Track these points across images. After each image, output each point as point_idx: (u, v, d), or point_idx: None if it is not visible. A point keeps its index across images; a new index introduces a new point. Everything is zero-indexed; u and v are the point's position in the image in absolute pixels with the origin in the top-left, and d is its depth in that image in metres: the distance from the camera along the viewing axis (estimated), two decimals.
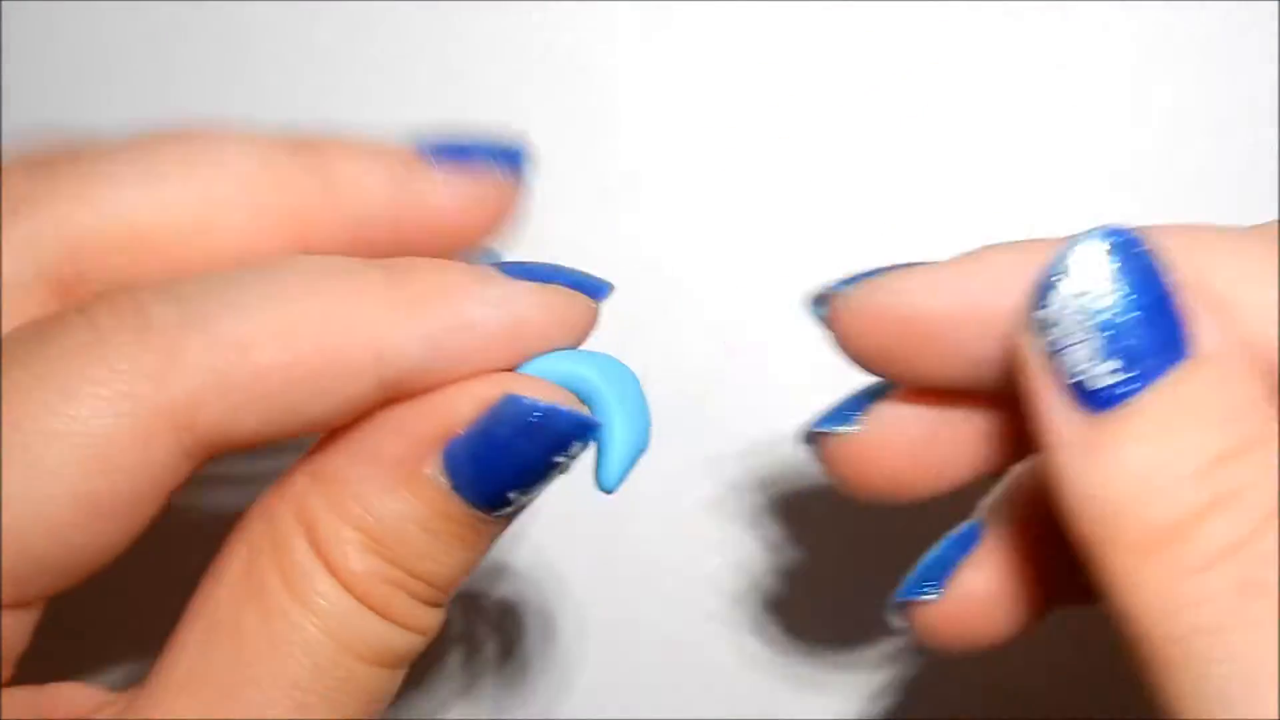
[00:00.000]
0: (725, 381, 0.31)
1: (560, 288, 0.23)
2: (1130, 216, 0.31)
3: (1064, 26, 0.31)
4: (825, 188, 0.31)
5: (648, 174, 0.32)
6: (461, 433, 0.21)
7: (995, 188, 0.31)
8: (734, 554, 0.31)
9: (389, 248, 0.22)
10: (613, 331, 0.32)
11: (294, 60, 0.32)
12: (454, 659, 0.32)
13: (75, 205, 0.21)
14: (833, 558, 0.28)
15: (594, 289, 0.24)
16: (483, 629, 0.32)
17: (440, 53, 0.32)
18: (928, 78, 0.31)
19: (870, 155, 0.31)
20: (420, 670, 0.25)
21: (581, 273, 0.23)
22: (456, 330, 0.21)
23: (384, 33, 0.32)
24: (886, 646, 0.31)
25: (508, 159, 0.24)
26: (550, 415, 0.22)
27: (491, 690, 0.32)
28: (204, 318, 0.19)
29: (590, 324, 0.23)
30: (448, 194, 0.23)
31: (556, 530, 0.28)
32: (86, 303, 0.20)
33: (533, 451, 0.22)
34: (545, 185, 0.31)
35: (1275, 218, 0.31)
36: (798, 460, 0.29)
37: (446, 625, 0.30)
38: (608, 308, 0.32)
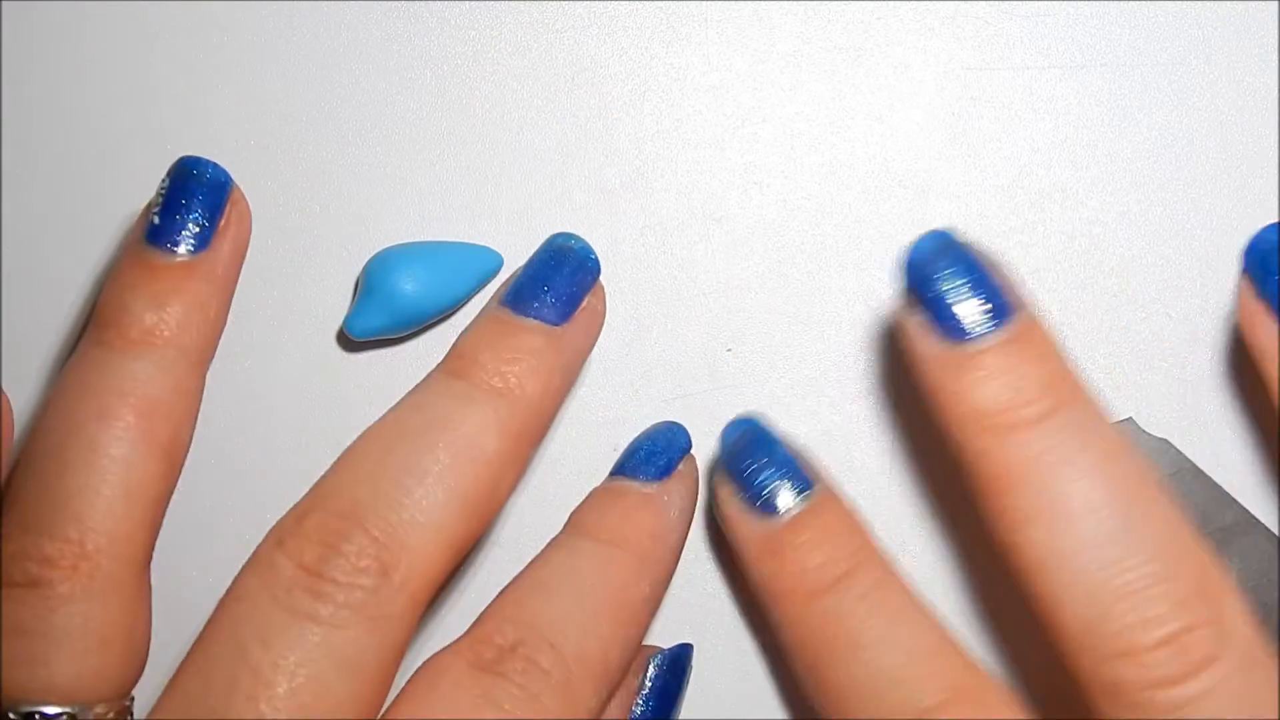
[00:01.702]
0: (725, 381, 0.31)
1: (687, 466, 0.28)
2: (1131, 216, 0.31)
3: (1063, 26, 0.31)
4: (826, 186, 0.31)
5: (648, 174, 0.32)
6: (640, 700, 0.28)
7: (995, 188, 0.31)
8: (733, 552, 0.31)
9: None
10: (614, 331, 0.32)
11: (294, 60, 0.32)
12: None
13: None
14: None
15: (687, 443, 0.29)
16: None
17: (440, 53, 0.32)
18: (926, 75, 0.31)
19: (871, 152, 0.31)
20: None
21: (675, 429, 0.29)
22: (675, 555, 0.27)
23: (383, 32, 0.32)
24: None
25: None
26: (687, 649, 0.29)
27: None
28: (578, 655, 0.25)
29: None
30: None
31: (557, 530, 0.28)
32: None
33: (682, 684, 0.29)
34: (545, 185, 0.32)
35: (1276, 217, 0.31)
36: None
37: (446, 625, 0.30)
38: (609, 308, 0.32)
